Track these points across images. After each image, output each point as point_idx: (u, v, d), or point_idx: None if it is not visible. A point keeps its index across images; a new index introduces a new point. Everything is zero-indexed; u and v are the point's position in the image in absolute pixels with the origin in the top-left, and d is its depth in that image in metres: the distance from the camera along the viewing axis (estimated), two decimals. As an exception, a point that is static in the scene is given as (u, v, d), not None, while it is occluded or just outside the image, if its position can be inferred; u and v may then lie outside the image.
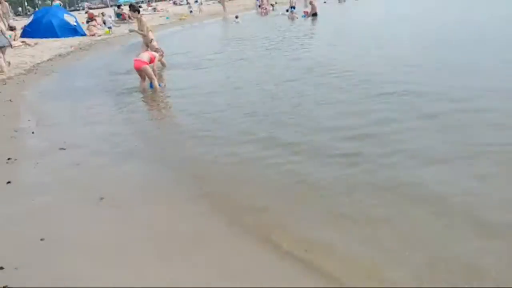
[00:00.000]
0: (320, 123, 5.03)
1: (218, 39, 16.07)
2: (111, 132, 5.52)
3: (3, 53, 10.22)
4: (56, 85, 9.13)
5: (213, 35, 17.76)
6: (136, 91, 7.70)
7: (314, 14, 20.55)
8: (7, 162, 4.47)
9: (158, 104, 7.12)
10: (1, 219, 3.27)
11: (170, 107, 6.96)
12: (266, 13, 26.21)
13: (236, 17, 21.81)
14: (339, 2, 29.68)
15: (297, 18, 20.63)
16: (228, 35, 17.12)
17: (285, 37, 14.02)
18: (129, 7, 9.74)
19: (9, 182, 3.92)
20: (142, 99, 7.30)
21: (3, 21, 20.03)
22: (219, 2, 32.27)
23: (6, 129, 5.78)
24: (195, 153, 4.55)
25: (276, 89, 6.96)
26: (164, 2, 43.57)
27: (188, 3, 36.28)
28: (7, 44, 10.23)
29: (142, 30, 9.04)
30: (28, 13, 37.93)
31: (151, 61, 7.57)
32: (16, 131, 5.66)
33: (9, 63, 10.64)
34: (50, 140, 5.30)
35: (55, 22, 17.67)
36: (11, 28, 16.47)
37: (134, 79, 8.17)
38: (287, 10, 22.68)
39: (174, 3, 36.75)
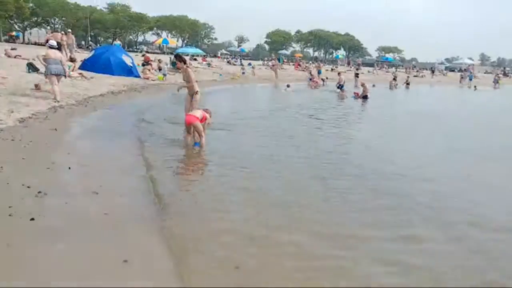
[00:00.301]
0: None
1: (266, 104, 15.78)
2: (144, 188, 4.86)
3: (58, 81, 10.09)
4: (103, 122, 8.71)
5: (262, 99, 17.58)
6: (177, 145, 7.22)
7: (365, 97, 20.13)
8: (36, 196, 4.16)
9: (199, 165, 6.43)
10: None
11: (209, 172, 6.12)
12: (316, 87, 26.25)
13: (288, 86, 21.79)
14: (390, 89, 29.52)
15: (346, 97, 20.29)
16: (277, 102, 16.87)
17: (335, 116, 13.39)
18: (175, 57, 9.37)
19: (32, 219, 3.62)
20: (183, 155, 6.74)
21: (65, 51, 20.93)
22: (271, 68, 33.00)
23: (44, 158, 5.44)
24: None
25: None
26: (219, 59, 45.38)
27: (241, 64, 37.44)
28: (62, 73, 10.15)
29: (188, 82, 8.59)
30: (90, 47, 40.15)
31: (203, 119, 7.07)
32: (53, 163, 5.32)
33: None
34: (84, 180, 4.84)
35: (113, 60, 18.10)
36: (71, 60, 16.89)
37: (179, 131, 7.79)
38: (338, 87, 22.51)
39: (228, 62, 38.05)
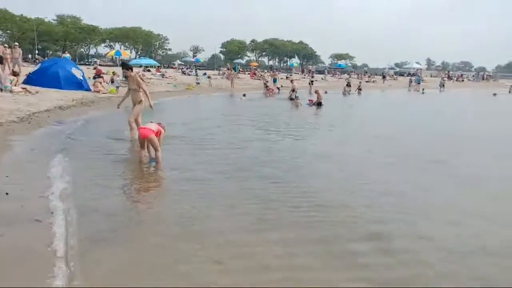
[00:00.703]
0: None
1: (222, 113, 15.76)
2: (92, 208, 4.60)
3: None
4: (46, 140, 8.25)
5: (218, 109, 17.53)
6: (130, 161, 6.97)
7: (319, 104, 20.52)
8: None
9: (157, 181, 6.24)
10: None
11: (166, 188, 5.98)
12: (271, 95, 26.56)
13: (244, 95, 21.89)
14: (343, 95, 30.39)
15: (301, 105, 20.56)
16: (233, 112, 16.89)
17: (289, 124, 13.63)
18: (122, 66, 9.42)
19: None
20: (137, 171, 6.50)
21: (8, 65, 19.88)
22: (227, 78, 33.03)
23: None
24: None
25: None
26: (173, 70, 44.76)
27: (196, 74, 37.16)
28: None
29: (137, 88, 8.58)
30: (37, 61, 38.32)
31: (158, 132, 6.81)
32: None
33: None
34: (25, 207, 4.43)
35: (61, 73, 17.34)
36: (14, 73, 16.04)
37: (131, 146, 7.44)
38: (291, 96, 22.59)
39: (183, 72, 37.63)
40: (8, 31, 68.45)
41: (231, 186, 5.73)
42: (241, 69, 44.89)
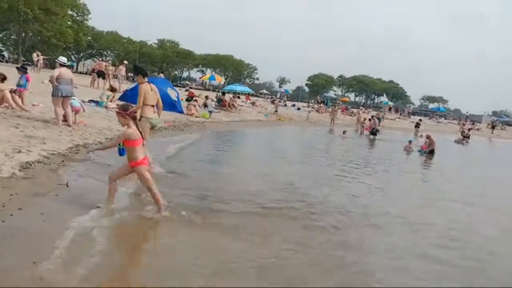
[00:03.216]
0: None
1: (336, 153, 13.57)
2: None
3: (64, 103, 8.51)
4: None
5: (330, 148, 15.39)
6: None
7: (431, 152, 17.40)
8: None
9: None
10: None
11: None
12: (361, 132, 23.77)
13: (344, 132, 19.55)
14: (456, 143, 26.36)
15: (412, 151, 17.61)
16: (341, 151, 14.63)
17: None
18: (134, 68, 6.98)
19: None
20: None
21: (108, 81, 19.94)
22: (317, 111, 30.99)
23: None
24: None
25: None
26: (263, 99, 43.89)
27: (285, 105, 35.73)
28: (70, 95, 8.61)
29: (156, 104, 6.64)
30: (134, 79, 40.08)
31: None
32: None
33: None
34: None
35: (157, 92, 16.60)
36: (112, 89, 15.59)
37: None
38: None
39: (273, 101, 36.44)
40: (115, 51, 74.56)
41: None
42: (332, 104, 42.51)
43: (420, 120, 36.22)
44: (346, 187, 7.80)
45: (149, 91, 6.53)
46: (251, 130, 18.00)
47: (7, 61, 48.89)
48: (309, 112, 29.29)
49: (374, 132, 21.46)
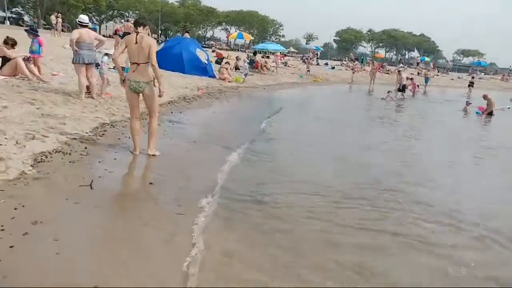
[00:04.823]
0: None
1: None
2: None
3: (87, 71, 7.30)
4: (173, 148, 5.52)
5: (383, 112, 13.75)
6: None
7: (490, 113, 15.69)
8: None
9: None
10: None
11: None
12: (413, 94, 21.74)
13: (389, 92, 17.74)
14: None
15: (469, 112, 15.95)
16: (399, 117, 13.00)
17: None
18: (134, 23, 5.26)
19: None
20: None
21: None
22: (352, 70, 28.75)
23: None
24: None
25: None
26: (293, 59, 41.29)
27: (318, 63, 33.56)
28: (93, 62, 7.38)
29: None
30: (160, 41, 38.20)
31: None
32: None
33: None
34: None
35: (185, 55, 15.08)
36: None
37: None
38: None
39: (303, 61, 34.15)
40: (137, 11, 72.44)
41: None
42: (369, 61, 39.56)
43: (473, 77, 33.35)
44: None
45: (132, 43, 4.92)
46: (294, 95, 16.42)
47: (27, 25, 47.94)
48: (353, 73, 27.11)
49: (402, 89, 19.70)
